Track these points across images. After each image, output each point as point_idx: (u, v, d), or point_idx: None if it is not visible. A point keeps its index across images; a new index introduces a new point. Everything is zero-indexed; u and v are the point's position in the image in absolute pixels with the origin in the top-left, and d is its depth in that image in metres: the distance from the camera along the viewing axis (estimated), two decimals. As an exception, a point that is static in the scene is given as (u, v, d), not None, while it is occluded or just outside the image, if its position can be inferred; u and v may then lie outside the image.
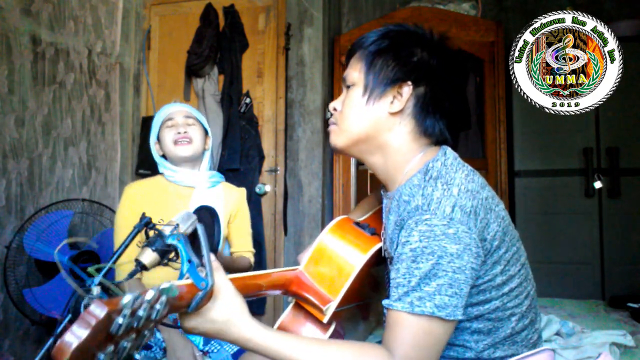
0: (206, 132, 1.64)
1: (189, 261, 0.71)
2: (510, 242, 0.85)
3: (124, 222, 1.50)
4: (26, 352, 2.02)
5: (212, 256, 0.78)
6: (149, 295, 0.57)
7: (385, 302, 0.79)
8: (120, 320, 0.53)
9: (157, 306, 0.59)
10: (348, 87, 0.94)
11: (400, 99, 0.89)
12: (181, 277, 0.72)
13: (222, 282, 0.74)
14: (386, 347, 0.76)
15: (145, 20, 2.82)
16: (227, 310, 0.72)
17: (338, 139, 0.95)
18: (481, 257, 0.79)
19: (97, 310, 0.52)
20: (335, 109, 0.96)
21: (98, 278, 0.94)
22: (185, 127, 1.56)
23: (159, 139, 1.60)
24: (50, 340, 1.05)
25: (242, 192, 1.67)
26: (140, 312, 0.56)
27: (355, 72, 0.92)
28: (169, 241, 0.74)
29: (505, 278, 0.84)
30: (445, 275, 0.74)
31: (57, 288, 1.80)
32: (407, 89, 0.88)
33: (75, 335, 0.50)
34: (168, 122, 1.58)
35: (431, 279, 0.74)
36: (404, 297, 0.76)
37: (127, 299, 0.54)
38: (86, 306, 0.88)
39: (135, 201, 1.53)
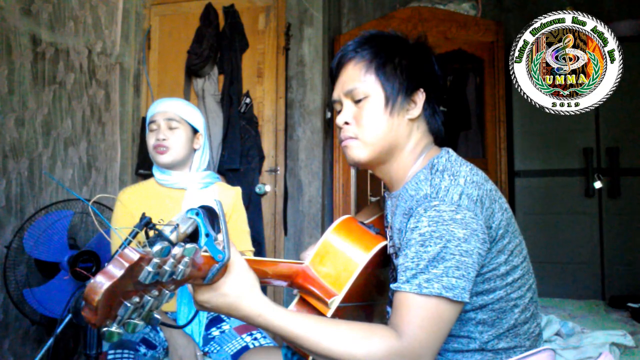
0: (196, 131, 1.58)
1: (207, 235, 0.73)
2: (513, 234, 0.88)
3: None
4: (26, 352, 2.02)
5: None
6: (176, 250, 0.60)
7: (393, 285, 0.81)
8: (149, 268, 0.55)
9: (181, 266, 0.61)
10: (358, 100, 0.93)
11: (415, 105, 0.94)
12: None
13: (236, 257, 0.75)
14: (393, 328, 0.77)
15: (145, 20, 2.82)
16: (240, 284, 0.74)
17: (362, 152, 0.93)
18: (487, 244, 0.82)
19: (131, 254, 0.53)
20: (347, 123, 0.94)
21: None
22: (165, 133, 1.50)
23: None
24: (51, 340, 1.05)
25: (237, 191, 1.64)
26: (167, 267, 0.58)
27: (364, 84, 0.92)
28: (189, 215, 0.76)
29: (509, 268, 0.86)
30: (453, 258, 0.77)
31: (57, 288, 1.80)
32: (421, 95, 0.94)
33: (108, 276, 0.52)
34: (152, 124, 1.53)
35: (439, 262, 0.77)
36: (412, 279, 0.78)
37: (157, 247, 0.57)
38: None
39: (129, 206, 1.51)
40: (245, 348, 1.36)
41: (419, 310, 0.76)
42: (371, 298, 1.07)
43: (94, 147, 2.45)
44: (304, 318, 0.76)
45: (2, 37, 1.97)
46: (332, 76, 1.01)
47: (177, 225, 1.12)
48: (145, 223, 1.11)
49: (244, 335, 1.40)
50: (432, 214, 0.79)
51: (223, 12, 2.68)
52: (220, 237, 0.73)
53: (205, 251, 0.71)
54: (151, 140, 1.52)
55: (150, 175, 1.61)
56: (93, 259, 1.79)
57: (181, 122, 1.53)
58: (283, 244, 2.59)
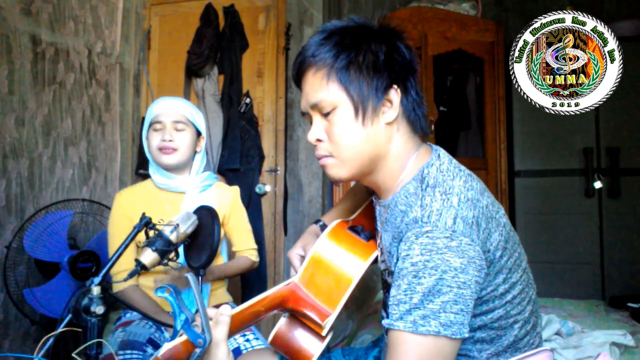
0: (199, 133, 1.55)
1: (182, 316, 0.67)
2: (512, 249, 0.83)
3: (117, 231, 1.48)
4: (26, 352, 2.02)
5: (211, 311, 0.74)
6: None
7: (385, 322, 0.75)
8: None
9: None
10: (327, 114, 0.83)
11: (392, 105, 0.83)
12: (175, 334, 0.69)
13: (220, 339, 0.69)
14: None
15: (145, 20, 2.81)
16: None
17: (341, 171, 0.85)
18: (484, 270, 0.75)
19: None
20: (319, 140, 0.85)
21: (98, 278, 0.94)
22: (172, 134, 1.46)
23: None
24: (51, 340, 1.05)
25: (236, 190, 1.63)
26: None
27: (329, 95, 0.82)
28: (158, 294, 0.68)
29: (508, 286, 0.81)
30: (450, 292, 0.70)
31: (57, 288, 1.80)
32: (395, 94, 0.83)
33: None
34: (156, 124, 1.48)
35: (435, 295, 0.70)
36: (405, 315, 0.71)
37: None
38: (86, 310, 0.88)
39: (126, 209, 1.49)
40: (237, 350, 1.35)
41: (415, 350, 0.70)
42: (355, 298, 1.06)
43: (94, 147, 2.45)
44: None
45: (2, 37, 1.97)
46: (297, 84, 0.90)
47: (177, 225, 1.12)
48: (145, 223, 1.11)
49: (236, 337, 1.39)
50: (425, 241, 0.72)
51: (223, 12, 2.68)
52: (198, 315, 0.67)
53: (182, 334, 0.66)
54: (155, 141, 1.48)
55: (149, 176, 1.59)
56: (93, 259, 1.79)
57: (187, 124, 1.50)
58: (283, 244, 2.59)
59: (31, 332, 2.05)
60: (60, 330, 0.88)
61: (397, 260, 0.77)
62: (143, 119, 2.73)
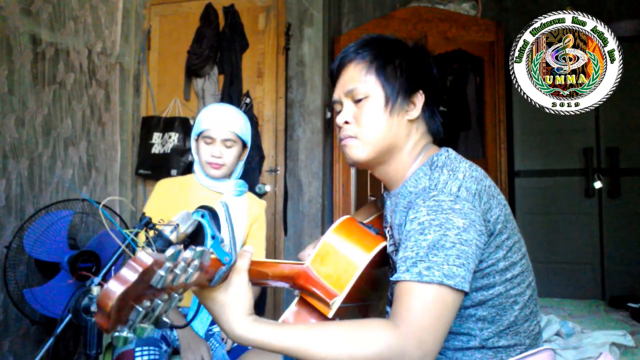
0: (245, 144, 1.61)
1: (213, 237, 0.72)
2: (512, 231, 0.89)
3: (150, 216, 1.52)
4: (26, 352, 2.02)
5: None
6: (187, 254, 0.60)
7: (393, 277, 0.80)
8: (162, 272, 0.55)
9: (190, 269, 0.61)
10: (359, 100, 0.95)
11: (415, 107, 0.96)
12: None
13: (242, 268, 0.75)
14: (392, 319, 0.75)
15: (145, 20, 2.82)
16: (231, 298, 0.73)
17: (361, 152, 0.95)
18: (484, 237, 0.82)
19: (145, 259, 0.53)
20: (347, 122, 0.96)
21: (98, 279, 0.94)
22: (221, 150, 1.53)
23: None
24: (51, 340, 1.05)
25: (264, 205, 1.69)
26: (177, 270, 0.58)
27: (365, 85, 0.94)
28: (194, 217, 0.77)
29: (508, 264, 0.87)
30: (453, 247, 0.76)
31: (57, 288, 1.80)
32: (421, 97, 0.96)
33: (122, 281, 0.51)
34: (207, 138, 1.53)
35: (439, 249, 0.76)
36: (411, 267, 0.77)
37: (170, 251, 0.56)
38: (86, 310, 0.89)
39: (165, 198, 1.55)
40: (239, 348, 1.37)
41: (419, 298, 0.74)
42: (369, 298, 1.08)
43: (94, 147, 2.45)
44: (287, 328, 0.74)
45: (2, 37, 1.96)
46: (332, 77, 1.02)
47: (177, 225, 1.12)
48: (145, 223, 1.11)
49: None
50: (431, 203, 0.80)
51: (223, 12, 2.68)
52: (226, 237, 0.72)
53: (212, 253, 0.70)
54: (204, 155, 1.53)
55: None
56: (93, 259, 1.79)
57: (236, 141, 1.56)
58: (283, 244, 2.59)
59: (31, 332, 2.05)
60: (59, 330, 0.88)
61: (405, 225, 0.84)
62: (143, 119, 2.74)
